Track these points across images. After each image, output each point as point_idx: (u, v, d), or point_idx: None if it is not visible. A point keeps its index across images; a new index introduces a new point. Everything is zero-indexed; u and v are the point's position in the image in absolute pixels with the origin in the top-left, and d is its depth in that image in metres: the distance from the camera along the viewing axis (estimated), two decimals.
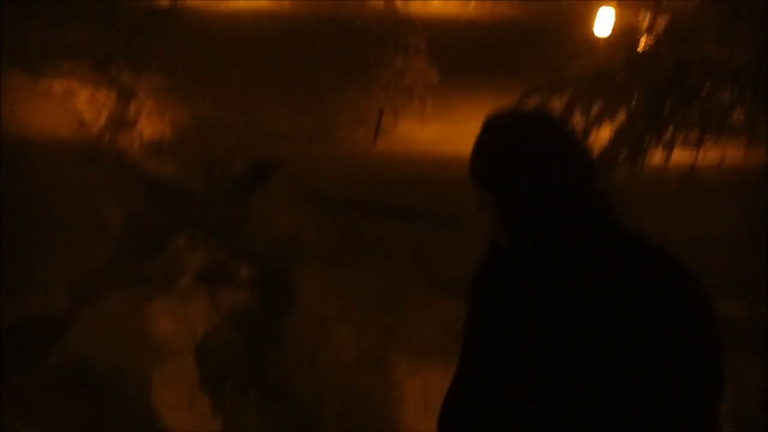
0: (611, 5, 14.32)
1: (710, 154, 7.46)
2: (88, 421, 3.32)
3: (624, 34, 8.94)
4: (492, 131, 1.42)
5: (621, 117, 8.29)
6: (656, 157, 7.70)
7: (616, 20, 13.58)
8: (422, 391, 3.30)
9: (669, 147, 7.61)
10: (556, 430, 1.35)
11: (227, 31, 23.18)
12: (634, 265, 1.33)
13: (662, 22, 8.68)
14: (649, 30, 8.71)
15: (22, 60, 17.42)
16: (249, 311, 5.17)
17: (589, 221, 1.34)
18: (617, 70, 8.37)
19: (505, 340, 1.38)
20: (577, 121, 8.92)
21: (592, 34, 14.52)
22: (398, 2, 21.08)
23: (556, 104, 9.32)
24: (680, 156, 7.56)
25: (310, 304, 4.80)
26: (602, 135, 8.56)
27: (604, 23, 14.09)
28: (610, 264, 1.32)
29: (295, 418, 4.00)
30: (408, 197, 8.22)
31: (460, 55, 19.35)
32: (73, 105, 15.43)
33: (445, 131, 15.22)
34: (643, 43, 8.57)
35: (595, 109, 8.49)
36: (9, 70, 16.86)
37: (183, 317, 4.67)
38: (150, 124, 13.74)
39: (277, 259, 6.07)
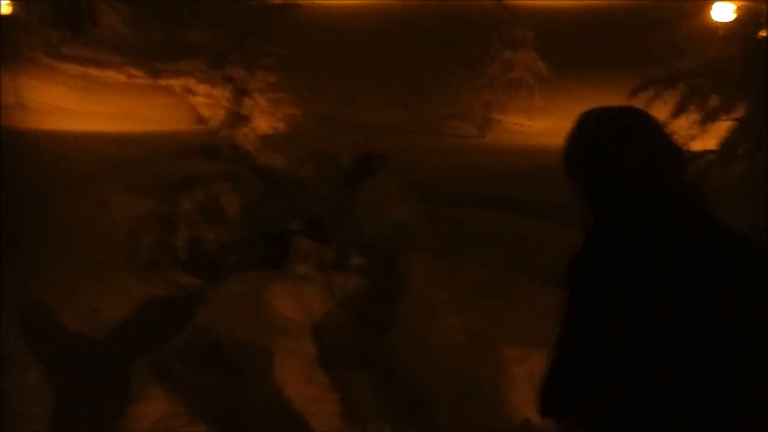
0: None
1: None
2: (216, 389, 3.61)
3: (742, 26, 8.54)
4: (584, 126, 1.51)
5: (739, 111, 7.98)
6: None
7: (734, 12, 12.97)
8: (529, 376, 3.37)
9: None
10: (649, 409, 1.41)
11: (337, 27, 23.67)
12: (719, 248, 1.40)
13: None
14: None
15: (146, 59, 18.53)
16: (360, 297, 5.40)
17: (677, 211, 1.41)
18: (734, 63, 8.05)
19: (599, 323, 1.46)
20: (692, 114, 8.65)
21: (709, 25, 13.91)
22: None
23: (670, 97, 9.06)
24: None
25: (419, 292, 4.95)
26: (720, 129, 8.28)
27: (721, 15, 13.47)
28: (697, 248, 1.39)
29: (408, 399, 4.17)
30: (513, 189, 8.24)
31: (569, 47, 18.97)
32: (191, 101, 16.29)
33: (553, 124, 15.00)
34: (762, 36, 8.17)
35: (711, 102, 8.21)
36: (133, 68, 17.97)
37: (300, 300, 4.94)
38: (263, 120, 14.27)
39: (385, 249, 6.26)
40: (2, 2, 12.66)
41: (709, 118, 8.47)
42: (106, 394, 3.98)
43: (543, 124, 15.55)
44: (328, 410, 3.86)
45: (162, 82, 17.73)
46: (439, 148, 12.86)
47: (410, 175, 8.79)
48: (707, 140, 8.35)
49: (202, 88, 17.31)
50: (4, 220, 5.70)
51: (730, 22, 12.46)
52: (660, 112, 8.42)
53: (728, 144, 7.86)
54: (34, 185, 6.98)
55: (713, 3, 14.04)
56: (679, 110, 8.77)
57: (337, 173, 9.70)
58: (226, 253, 6.50)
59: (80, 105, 13.66)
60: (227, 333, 4.16)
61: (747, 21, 8.85)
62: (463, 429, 3.79)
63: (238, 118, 14.64)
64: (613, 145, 1.44)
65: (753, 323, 1.34)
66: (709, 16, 13.97)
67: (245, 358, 3.93)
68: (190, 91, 17.21)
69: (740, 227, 1.47)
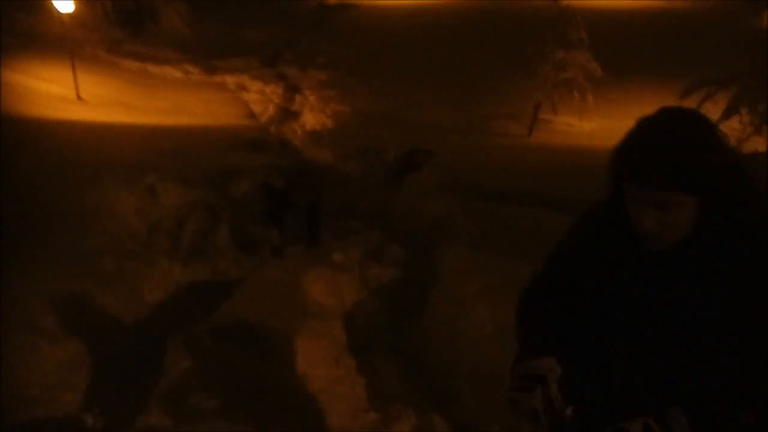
0: None
1: None
2: (247, 368, 3.73)
3: None
4: (655, 135, 1.43)
5: None
6: None
7: None
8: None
9: None
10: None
11: (390, 26, 23.80)
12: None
13: None
14: None
15: (202, 56, 18.95)
16: (394, 287, 5.47)
17: (740, 214, 1.41)
18: None
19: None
20: (744, 116, 8.48)
21: (762, 29, 13.55)
22: None
23: (722, 100, 8.88)
24: None
25: (451, 283, 4.98)
26: None
27: None
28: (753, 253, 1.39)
29: (433, 385, 4.22)
30: (556, 187, 8.17)
31: (621, 48, 18.65)
32: (244, 97, 16.65)
33: (605, 125, 14.78)
34: None
35: (762, 106, 8.06)
36: (190, 65, 18.39)
37: (335, 287, 5.04)
38: (313, 116, 14.47)
39: (423, 241, 6.32)
40: (68, 1, 13.11)
41: (761, 119, 8.29)
42: (142, 368, 4.15)
43: (593, 125, 15.33)
44: (353, 392, 3.94)
45: (217, 78, 18.21)
46: (485, 146, 12.81)
47: (453, 171, 8.82)
48: (758, 142, 8.18)
49: (254, 85, 17.72)
50: (54, 206, 5.97)
51: None
52: (711, 113, 8.30)
53: None
54: (87, 173, 7.26)
55: None
56: (731, 111, 8.60)
57: (381, 168, 9.78)
58: (268, 241, 6.64)
59: (137, 99, 14.08)
60: (260, 314, 4.28)
61: None
62: (486, 418, 3.82)
63: (288, 114, 14.89)
64: (717, 146, 1.42)
65: None
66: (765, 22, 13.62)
67: (275, 338, 4.05)
68: (243, 88, 17.64)
69: None
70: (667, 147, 1.38)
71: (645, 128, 1.45)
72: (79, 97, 12.71)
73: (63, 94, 12.58)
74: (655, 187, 1.39)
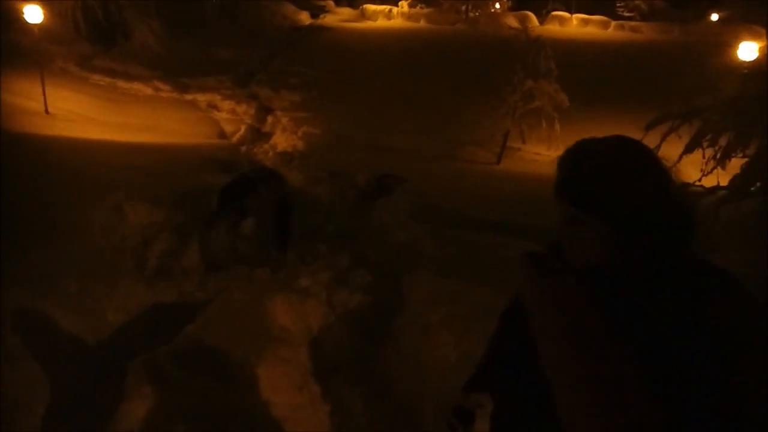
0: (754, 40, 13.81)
1: None
2: (207, 391, 3.69)
3: (762, 65, 8.60)
4: (582, 154, 1.49)
5: (753, 148, 8.00)
6: None
7: (756, 51, 13.06)
8: None
9: None
10: None
11: (364, 50, 24.01)
12: (701, 287, 1.35)
13: None
14: None
15: (174, 74, 18.86)
16: (361, 313, 5.46)
17: (668, 242, 1.41)
18: (752, 101, 8.10)
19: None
20: (706, 150, 8.69)
21: (731, 64, 13.97)
22: (532, 25, 20.85)
23: (685, 133, 9.09)
24: None
25: (417, 310, 5.01)
26: (734, 167, 8.30)
27: (746, 54, 13.55)
28: (680, 285, 1.35)
29: (397, 413, 4.21)
30: (527, 215, 8.26)
31: (591, 79, 19.05)
32: (215, 116, 16.62)
33: None
34: None
35: (725, 139, 8.26)
36: (161, 82, 18.29)
37: (300, 312, 5.02)
38: (284, 138, 14.54)
39: (391, 267, 6.33)
40: (37, 11, 13.03)
41: (723, 154, 8.49)
42: (102, 392, 4.08)
43: (560, 154, 15.56)
44: (316, 419, 3.91)
45: (188, 96, 18.18)
46: (454, 172, 12.93)
47: (423, 197, 8.88)
48: (721, 177, 8.36)
49: (226, 105, 17.73)
50: (18, 222, 5.88)
51: (752, 61, 12.53)
52: (675, 146, 8.50)
53: (740, 180, 7.86)
54: (52, 189, 7.17)
55: (740, 43, 14.13)
56: (693, 145, 8.80)
57: (351, 192, 9.81)
58: (235, 263, 6.60)
59: (107, 115, 13.97)
60: (223, 338, 4.25)
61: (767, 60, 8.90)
62: None
63: (259, 135, 14.91)
64: (643, 175, 1.43)
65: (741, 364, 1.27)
66: (736, 56, 14.06)
67: (238, 363, 4.02)
68: (214, 107, 17.63)
69: (751, 263, 1.45)
70: (589, 166, 1.45)
71: (580, 147, 1.52)
72: (47, 112, 12.59)
73: (31, 107, 12.44)
74: (566, 200, 1.47)
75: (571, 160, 1.51)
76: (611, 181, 1.42)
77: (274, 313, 4.82)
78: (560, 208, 1.51)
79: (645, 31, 30.96)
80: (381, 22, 33.40)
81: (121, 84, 17.93)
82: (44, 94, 12.64)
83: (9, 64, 14.48)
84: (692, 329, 1.30)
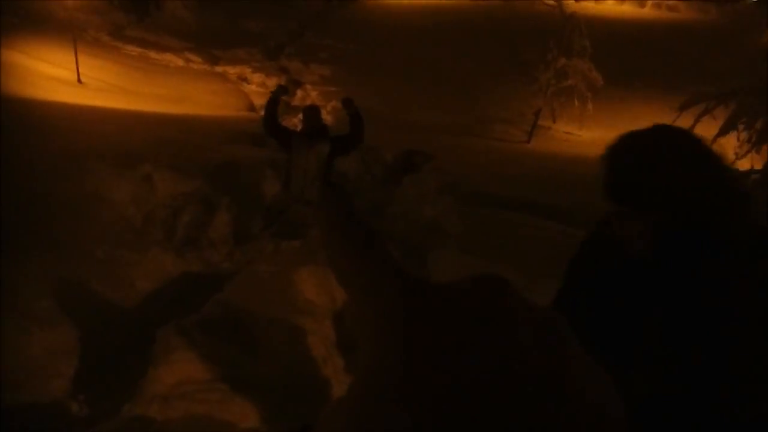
0: None
1: None
2: (233, 359, 3.74)
3: None
4: (629, 146, 1.48)
5: None
6: None
7: None
8: None
9: None
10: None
11: (395, 24, 23.80)
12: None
13: None
14: None
15: (205, 45, 18.89)
16: None
17: (727, 227, 1.39)
18: None
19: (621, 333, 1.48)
20: (741, 133, 8.51)
21: (763, 47, 13.64)
22: (568, 2, 20.53)
23: (720, 114, 8.92)
24: None
25: None
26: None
27: None
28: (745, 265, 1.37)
29: None
30: (553, 195, 8.20)
31: (626, 58, 18.70)
32: (245, 89, 16.65)
33: (604, 134, 14.77)
34: None
35: (760, 123, 8.08)
36: (192, 53, 18.33)
37: (326, 286, 5.04)
38: None
39: (417, 243, 6.33)
40: None
41: (758, 137, 8.32)
42: (131, 358, 4.16)
43: (592, 134, 15.37)
44: (340, 392, 3.95)
45: (218, 68, 18.23)
46: (483, 150, 12.83)
47: (451, 174, 8.84)
48: (755, 161, 8.20)
49: (256, 77, 17.76)
50: (49, 189, 5.97)
51: None
52: (708, 128, 8.34)
53: None
54: (83, 158, 7.25)
55: None
56: (728, 127, 8.63)
57: (379, 168, 9.79)
58: (262, 235, 6.64)
59: (138, 86, 14.06)
60: (250, 308, 4.29)
61: None
62: None
63: (288, 109, 14.90)
64: (663, 162, 1.42)
65: None
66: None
67: (264, 333, 4.06)
68: (244, 79, 17.66)
69: None
70: (633, 165, 1.45)
71: (622, 142, 1.51)
72: (79, 81, 12.69)
73: (64, 76, 12.55)
74: (612, 199, 1.48)
75: (614, 156, 1.50)
76: (667, 175, 1.41)
77: (300, 285, 4.84)
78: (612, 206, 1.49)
79: (682, 10, 30.28)
80: None
81: (153, 55, 18.03)
82: (77, 63, 12.74)
83: (43, 33, 14.62)
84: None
